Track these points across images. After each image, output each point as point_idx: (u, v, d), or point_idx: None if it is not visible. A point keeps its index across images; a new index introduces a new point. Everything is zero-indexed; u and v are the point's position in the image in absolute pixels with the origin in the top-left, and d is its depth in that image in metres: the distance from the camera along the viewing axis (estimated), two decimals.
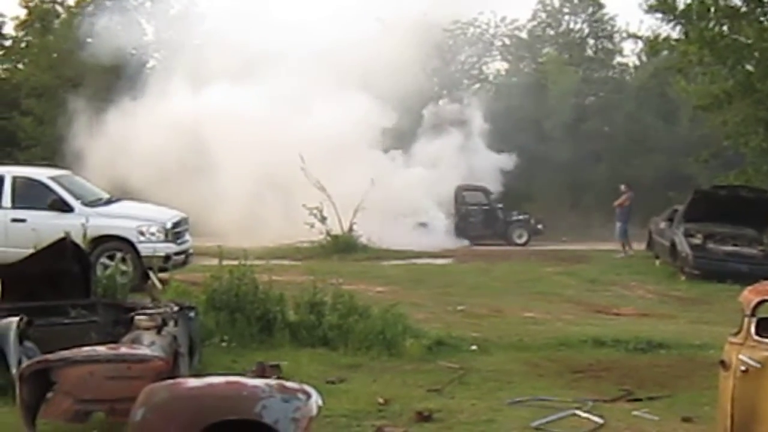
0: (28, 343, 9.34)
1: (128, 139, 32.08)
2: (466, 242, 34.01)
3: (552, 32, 46.83)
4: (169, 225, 18.60)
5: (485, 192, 37.12)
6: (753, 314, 7.63)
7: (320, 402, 6.96)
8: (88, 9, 40.08)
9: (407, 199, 32.58)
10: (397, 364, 12.83)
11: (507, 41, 43.54)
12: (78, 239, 13.24)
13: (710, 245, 24.50)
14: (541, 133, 40.24)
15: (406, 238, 29.88)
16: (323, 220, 28.71)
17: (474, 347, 14.01)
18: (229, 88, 31.78)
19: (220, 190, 31.43)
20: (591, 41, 48.93)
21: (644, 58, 44.97)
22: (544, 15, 46.83)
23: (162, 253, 17.89)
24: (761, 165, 29.30)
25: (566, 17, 48.67)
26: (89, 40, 36.79)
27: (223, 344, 12.93)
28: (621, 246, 29.51)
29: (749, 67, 25.81)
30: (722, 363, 7.80)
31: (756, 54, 25.00)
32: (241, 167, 31.23)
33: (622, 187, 30.65)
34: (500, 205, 37.08)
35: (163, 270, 17.27)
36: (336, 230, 29.18)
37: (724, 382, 7.77)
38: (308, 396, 6.89)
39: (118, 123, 32.62)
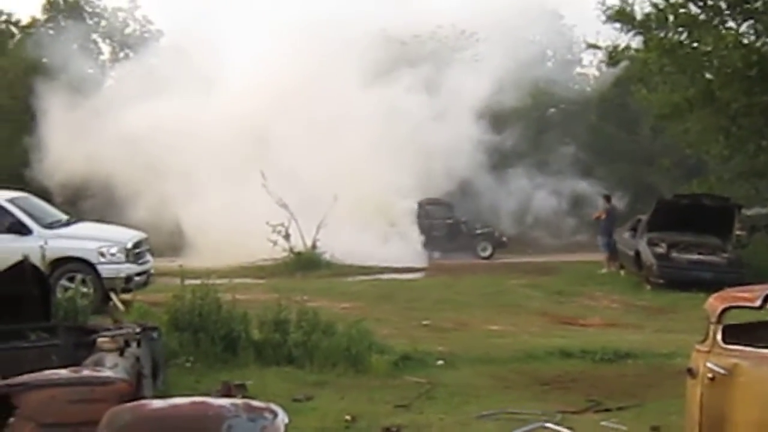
0: None
1: (80, 159, 32.13)
2: (430, 256, 33.94)
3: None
4: (129, 245, 18.46)
5: (449, 206, 37.19)
6: (719, 321, 7.66)
7: (287, 420, 6.92)
8: (42, 29, 39.92)
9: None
10: (363, 380, 12.82)
11: (467, 54, 43.61)
12: (37, 262, 13.14)
13: (674, 254, 24.65)
14: (501, 145, 40.32)
15: (371, 254, 29.84)
16: (287, 237, 28.65)
17: (440, 362, 14.02)
18: (185, 103, 31.82)
19: (179, 207, 31.48)
20: (550, 52, 49.14)
21: (604, 68, 45.26)
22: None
23: (123, 274, 17.77)
24: (723, 173, 29.59)
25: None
26: (44, 60, 36.64)
27: (187, 365, 12.86)
28: (605, 261, 28.92)
29: (709, 76, 26.01)
30: (689, 371, 7.83)
31: (715, 62, 25.20)
32: (203, 184, 31.34)
33: (602, 200, 30.07)
34: (464, 219, 37.15)
35: (124, 291, 17.18)
36: (299, 247, 29.11)
37: (691, 390, 7.81)
38: (275, 415, 6.85)
39: (70, 142, 32.59)
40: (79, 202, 31.84)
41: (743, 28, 26.03)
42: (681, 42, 25.35)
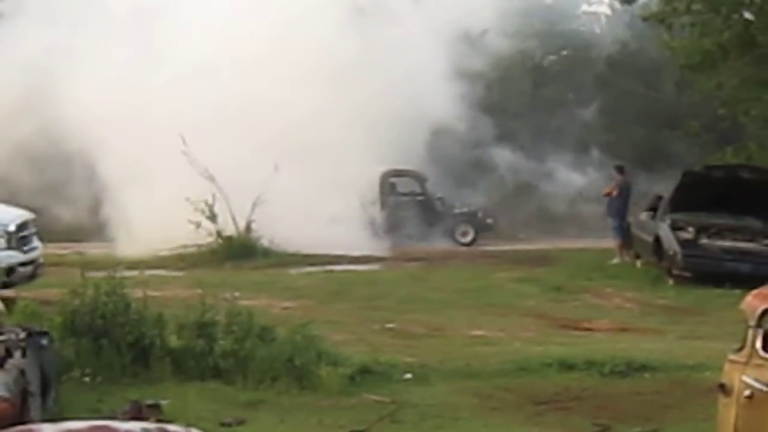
0: None
1: None
2: (395, 242, 33.92)
3: None
4: (12, 228, 18.28)
5: (419, 178, 37.11)
6: (759, 325, 7.68)
7: None
8: None
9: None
10: (310, 399, 12.84)
11: None
12: None
13: (704, 240, 24.74)
14: (485, 102, 40.30)
15: (320, 239, 29.79)
16: (213, 218, 28.52)
17: (409, 375, 14.07)
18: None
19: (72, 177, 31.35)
20: None
21: (617, 6, 45.35)
22: None
23: (3, 264, 17.63)
24: (766, 138, 29.67)
25: None
26: None
27: (86, 379, 12.82)
28: (617, 249, 28.91)
29: (749, 16, 26.07)
30: (721, 387, 7.88)
31: None
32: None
33: (613, 171, 30.14)
34: (439, 195, 37.12)
35: (6, 285, 17.06)
36: (229, 230, 29.02)
37: (724, 410, 7.86)
38: None
39: None
40: None
41: None
42: None
